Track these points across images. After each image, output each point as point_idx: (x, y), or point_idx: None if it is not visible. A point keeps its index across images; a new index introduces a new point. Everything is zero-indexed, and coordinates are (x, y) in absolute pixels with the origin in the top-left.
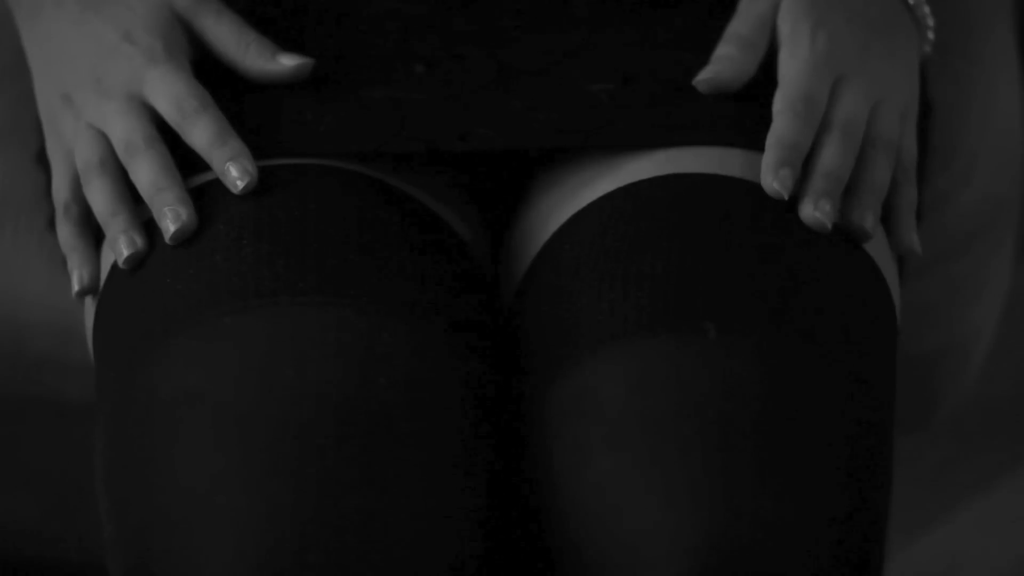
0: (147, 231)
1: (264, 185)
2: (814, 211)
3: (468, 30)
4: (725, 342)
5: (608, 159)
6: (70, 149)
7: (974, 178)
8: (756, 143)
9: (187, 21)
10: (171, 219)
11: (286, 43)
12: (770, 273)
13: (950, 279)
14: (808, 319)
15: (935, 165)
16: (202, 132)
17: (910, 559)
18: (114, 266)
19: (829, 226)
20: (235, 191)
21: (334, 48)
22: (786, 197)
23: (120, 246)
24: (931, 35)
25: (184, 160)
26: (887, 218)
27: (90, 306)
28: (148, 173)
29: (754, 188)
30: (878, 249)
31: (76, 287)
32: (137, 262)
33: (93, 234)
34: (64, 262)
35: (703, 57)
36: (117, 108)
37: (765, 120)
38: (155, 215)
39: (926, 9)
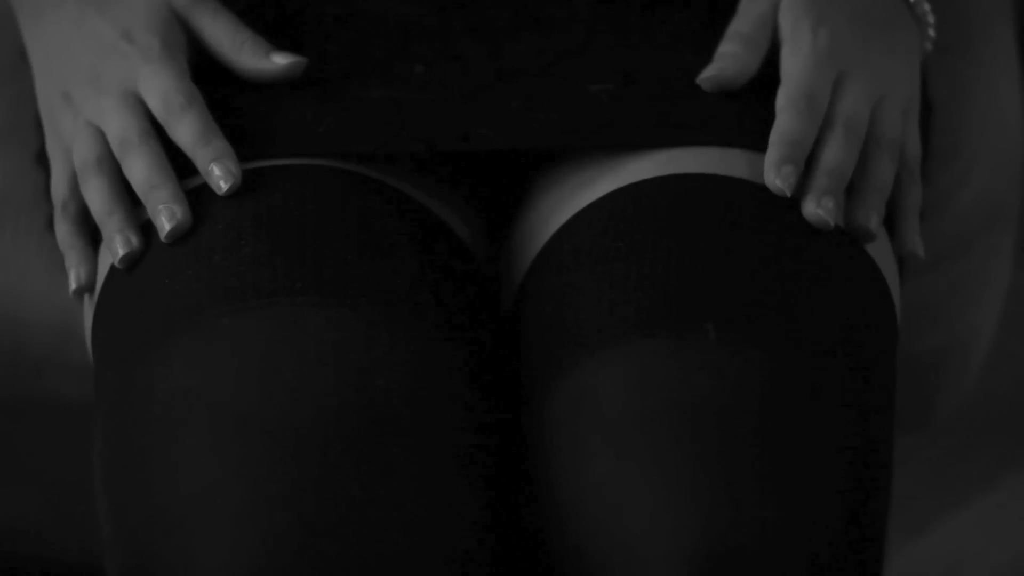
0: (144, 231)
1: (263, 185)
2: (816, 209)
3: (468, 30)
4: (725, 343)
5: (608, 159)
6: (69, 147)
7: (974, 178)
8: (757, 143)
9: (184, 20)
10: (166, 217)
11: (286, 44)
12: (771, 274)
13: (950, 279)
14: (808, 320)
15: (935, 165)
16: (186, 130)
17: (910, 559)
18: (113, 266)
19: (832, 224)
20: (219, 192)
21: (334, 49)
22: (788, 194)
23: (116, 245)
24: (932, 32)
25: (184, 160)
26: (890, 218)
27: (89, 306)
28: (142, 169)
29: (755, 188)
30: (879, 249)
31: (73, 285)
32: (133, 261)
33: (91, 233)
34: (64, 261)
35: (703, 57)
36: (113, 104)
37: (766, 120)
38: (150, 213)
39: (926, 7)
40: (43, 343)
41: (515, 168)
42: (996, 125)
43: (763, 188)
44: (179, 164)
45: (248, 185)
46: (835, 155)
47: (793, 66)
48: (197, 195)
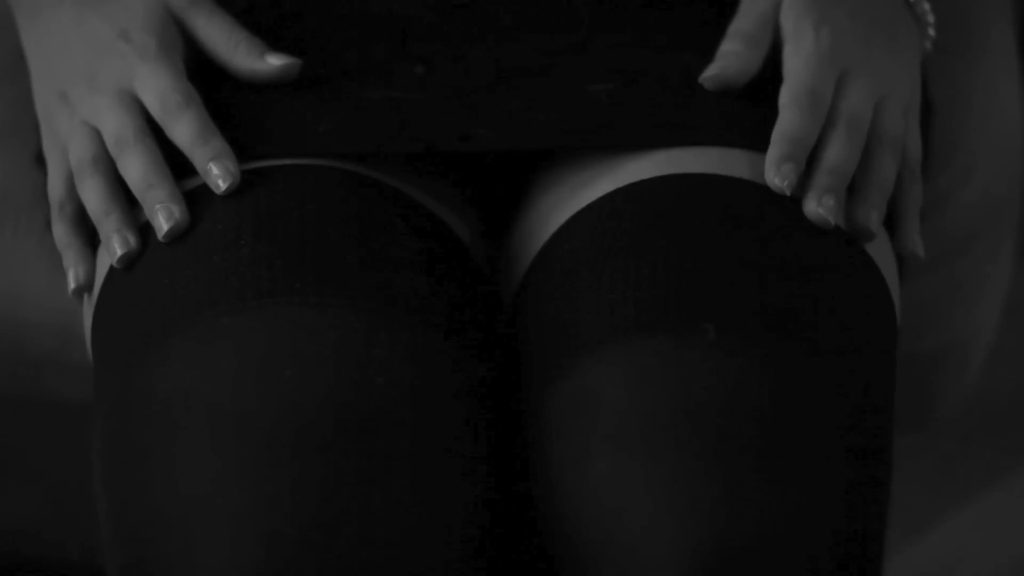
0: (142, 231)
1: (263, 185)
2: (817, 207)
3: (468, 30)
4: (725, 342)
5: (608, 159)
6: (65, 147)
7: (974, 178)
8: (757, 143)
9: (181, 20)
10: (164, 217)
11: (286, 45)
12: (770, 274)
13: (950, 279)
14: (808, 319)
15: (935, 165)
16: (184, 129)
17: (910, 559)
18: (112, 266)
19: (833, 223)
20: (217, 191)
21: (334, 49)
22: (788, 193)
23: (114, 245)
24: (931, 32)
25: (182, 161)
26: (890, 218)
27: (89, 306)
28: (138, 168)
29: (755, 188)
30: (879, 249)
31: (72, 285)
32: (131, 261)
33: (89, 232)
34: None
35: (703, 57)
36: (109, 103)
37: (766, 120)
38: (147, 213)
39: (926, 6)
40: (43, 343)
41: (515, 168)
42: (996, 125)
43: (763, 188)
44: (177, 164)
45: (248, 185)
46: (837, 153)
47: (796, 64)
48: (196, 195)
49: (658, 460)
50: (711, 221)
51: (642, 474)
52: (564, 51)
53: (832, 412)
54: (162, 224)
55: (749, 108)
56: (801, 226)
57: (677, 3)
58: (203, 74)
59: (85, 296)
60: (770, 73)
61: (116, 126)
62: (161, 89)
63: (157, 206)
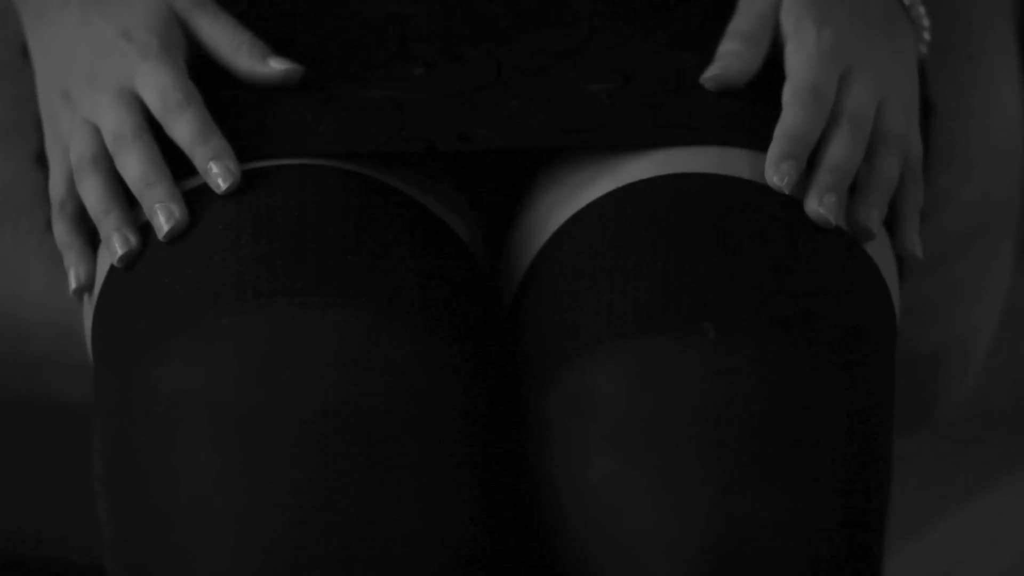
0: (142, 230)
1: (263, 185)
2: (818, 207)
3: (468, 30)
4: (724, 342)
5: (608, 159)
6: (67, 146)
7: (974, 178)
8: (756, 142)
9: (184, 21)
10: (164, 217)
11: (286, 45)
12: (770, 273)
13: (950, 279)
14: (807, 319)
15: (935, 165)
16: (185, 127)
17: (910, 559)
18: (113, 266)
19: (834, 222)
20: (217, 191)
21: (334, 49)
22: (787, 191)
23: (114, 244)
24: (927, 35)
25: (183, 161)
26: (890, 218)
27: (89, 306)
28: (136, 167)
29: (755, 188)
30: (879, 249)
31: (73, 284)
32: (132, 260)
33: (89, 232)
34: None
35: (703, 57)
36: (108, 100)
37: (765, 119)
38: (146, 212)
39: (921, 9)
40: (43, 343)
41: (514, 168)
42: (996, 125)
43: (763, 187)
44: (178, 164)
45: (248, 185)
46: (840, 152)
47: (798, 62)
48: (197, 195)
49: (657, 460)
50: (711, 221)
51: (641, 474)
52: (564, 51)
53: (832, 412)
54: (162, 224)
55: (749, 107)
56: (801, 226)
57: (677, 3)
58: (205, 75)
59: (85, 296)
60: (770, 72)
61: (115, 123)
62: (162, 87)
63: (157, 205)
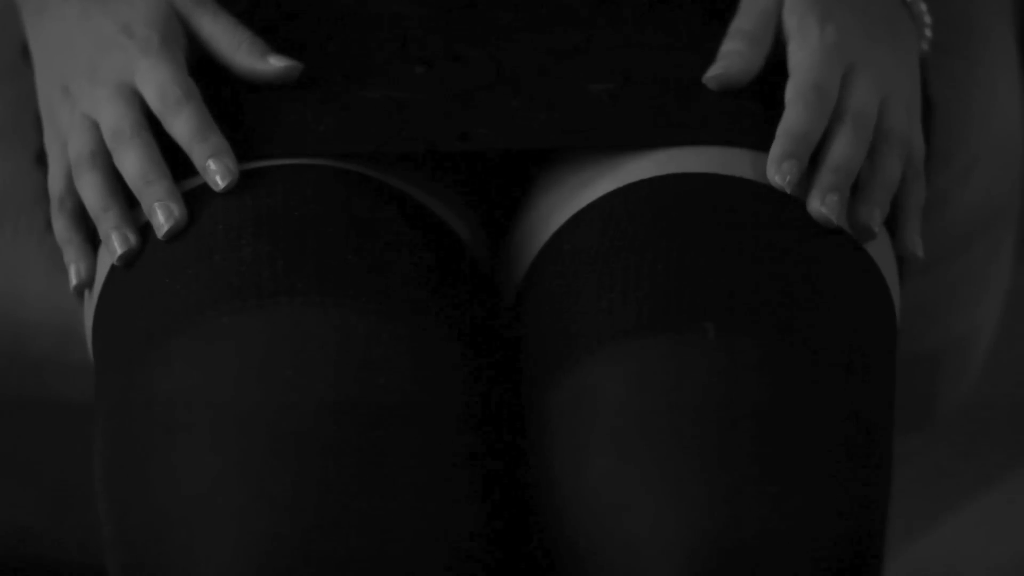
0: (142, 230)
1: (264, 185)
2: (820, 206)
3: (468, 30)
4: (725, 342)
5: (608, 159)
6: (66, 140)
7: (974, 178)
8: (757, 142)
9: (184, 18)
10: (163, 216)
11: (286, 45)
12: (770, 273)
13: (950, 279)
14: (808, 319)
15: (935, 165)
16: (184, 124)
17: (910, 559)
18: (113, 266)
19: (835, 222)
20: (216, 189)
21: (334, 49)
22: (789, 190)
23: (113, 243)
24: (928, 33)
25: (184, 160)
26: (891, 217)
27: (89, 306)
28: (135, 164)
29: (756, 187)
30: (879, 248)
31: (74, 281)
32: (131, 259)
33: (89, 228)
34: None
35: (704, 56)
36: (107, 95)
37: (766, 119)
38: (145, 210)
39: (923, 7)
40: (43, 343)
41: (515, 168)
42: (996, 125)
43: (764, 187)
44: (178, 164)
45: (248, 185)
46: (843, 151)
47: (802, 60)
48: (197, 195)
49: (658, 459)
50: (711, 220)
51: (642, 473)
52: (565, 51)
53: (832, 412)
54: (161, 222)
55: (750, 107)
56: (802, 225)
57: (677, 2)
58: (205, 74)
59: (86, 295)
60: (772, 71)
61: (114, 119)
62: (161, 83)
63: (156, 204)
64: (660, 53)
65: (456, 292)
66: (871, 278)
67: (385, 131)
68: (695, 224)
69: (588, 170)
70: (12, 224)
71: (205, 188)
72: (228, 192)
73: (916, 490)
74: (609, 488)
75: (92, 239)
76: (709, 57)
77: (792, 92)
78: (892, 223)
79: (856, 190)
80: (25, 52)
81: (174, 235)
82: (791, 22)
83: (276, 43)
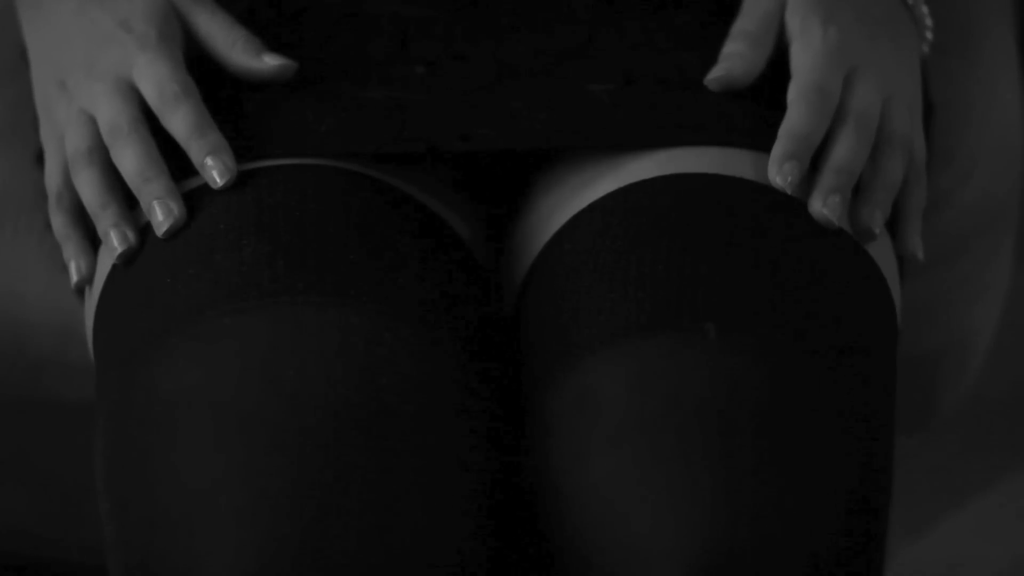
0: (142, 230)
1: (265, 185)
2: (822, 208)
3: (468, 30)
4: (726, 342)
5: (609, 159)
6: (63, 136)
7: (974, 178)
8: (758, 143)
9: (182, 15)
10: (162, 214)
11: (287, 45)
12: (771, 273)
13: (950, 279)
14: (809, 319)
15: (935, 165)
16: (181, 120)
17: (910, 559)
18: (114, 265)
19: (837, 223)
20: (213, 186)
21: (334, 49)
22: (790, 191)
23: (112, 240)
24: (929, 35)
25: (185, 161)
26: (892, 218)
27: (90, 306)
28: (132, 161)
29: (756, 188)
30: (880, 249)
31: (75, 277)
32: (130, 257)
33: (88, 226)
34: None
35: (705, 57)
36: (105, 90)
37: (767, 119)
38: (144, 208)
39: (924, 9)
40: (43, 343)
41: (516, 168)
42: (996, 125)
43: (764, 188)
44: (178, 164)
45: (250, 185)
46: (846, 152)
47: (804, 61)
48: (198, 195)
49: (659, 460)
50: (712, 221)
51: (643, 474)
52: (565, 51)
53: (833, 412)
54: (160, 220)
55: (751, 108)
56: (802, 226)
57: (678, 2)
58: (207, 74)
59: (87, 295)
60: (773, 72)
61: (111, 114)
62: (159, 79)
63: (155, 202)
64: (661, 53)
65: (457, 292)
66: (872, 279)
67: (386, 131)
68: (696, 224)
69: (589, 170)
70: (12, 224)
71: (206, 188)
72: (229, 192)
73: (916, 490)
74: (610, 488)
75: (91, 236)
76: (710, 58)
77: (794, 93)
78: (893, 224)
79: (857, 191)
80: (25, 53)
81: (173, 233)
82: (793, 23)
83: (277, 43)
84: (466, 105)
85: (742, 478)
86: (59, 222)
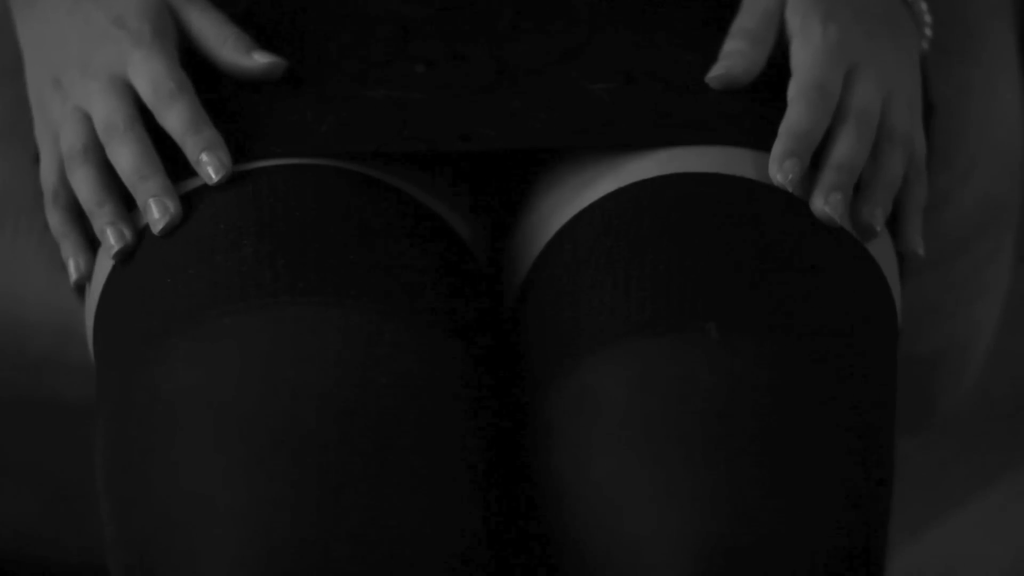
0: (141, 231)
1: (265, 185)
2: (824, 205)
3: (468, 30)
4: (727, 342)
5: (610, 159)
6: (58, 133)
7: (974, 178)
8: (758, 142)
9: (175, 11)
10: (158, 211)
11: (286, 44)
12: (772, 273)
13: (950, 279)
14: (810, 319)
15: (935, 165)
16: (176, 117)
17: (910, 559)
18: (114, 265)
19: (838, 221)
20: (209, 182)
21: (335, 48)
22: (791, 189)
23: (109, 238)
24: (928, 32)
25: (184, 162)
26: (892, 216)
27: (90, 306)
28: (128, 159)
29: (757, 187)
30: (880, 248)
31: (74, 275)
32: (127, 255)
33: (86, 224)
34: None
35: (705, 56)
36: (100, 88)
37: (768, 118)
38: (140, 206)
39: (923, 6)
40: (43, 343)
41: (516, 168)
42: (996, 125)
43: (765, 186)
44: (178, 164)
45: (249, 185)
46: (847, 150)
47: (804, 59)
48: (198, 195)
49: (661, 460)
50: (713, 220)
51: (645, 474)
52: (566, 50)
53: (834, 411)
54: (156, 218)
55: (751, 106)
56: (803, 225)
57: (678, 2)
58: (203, 74)
59: (87, 295)
60: (774, 71)
61: (107, 112)
62: (154, 75)
63: (151, 200)
64: (661, 52)
65: (458, 292)
66: (873, 278)
67: (386, 131)
68: (697, 224)
69: (589, 170)
70: (12, 224)
71: (206, 188)
72: (229, 192)
73: (916, 490)
74: (612, 488)
75: (89, 235)
76: (711, 56)
77: (794, 91)
78: (893, 222)
79: (858, 189)
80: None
81: (169, 231)
82: (793, 21)
83: (277, 42)
84: (466, 105)
85: (743, 478)
86: (56, 220)
